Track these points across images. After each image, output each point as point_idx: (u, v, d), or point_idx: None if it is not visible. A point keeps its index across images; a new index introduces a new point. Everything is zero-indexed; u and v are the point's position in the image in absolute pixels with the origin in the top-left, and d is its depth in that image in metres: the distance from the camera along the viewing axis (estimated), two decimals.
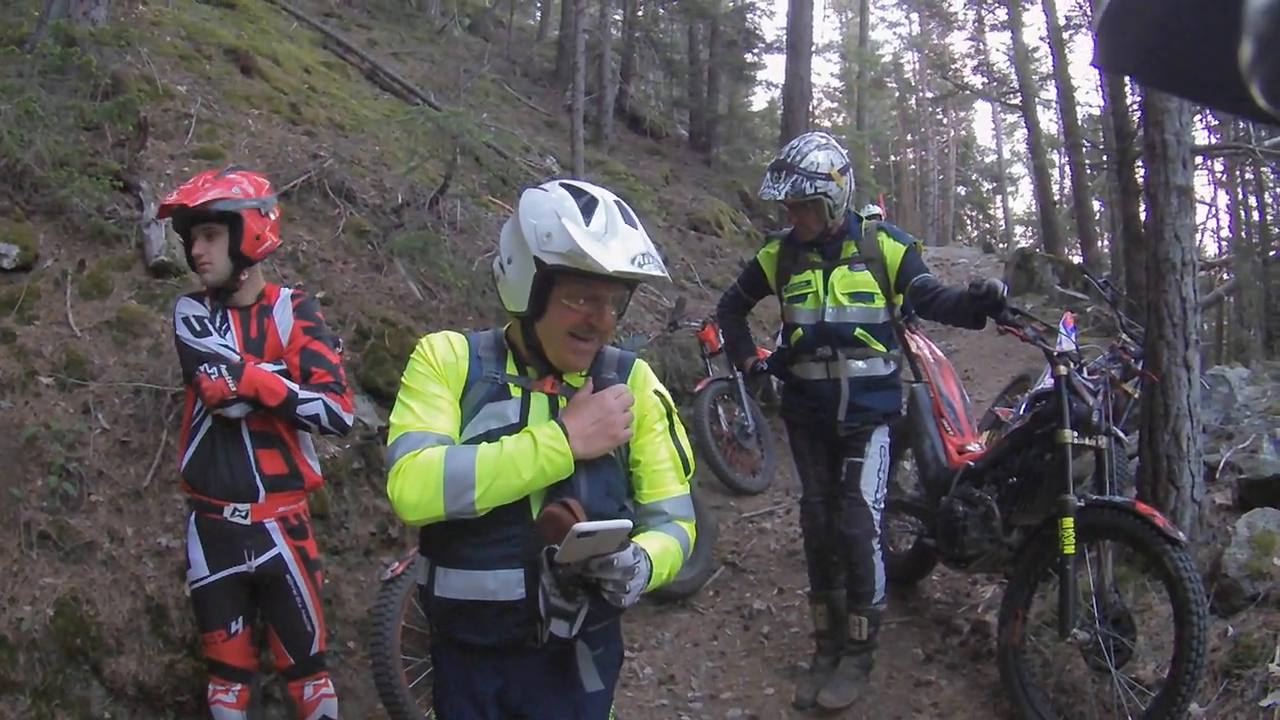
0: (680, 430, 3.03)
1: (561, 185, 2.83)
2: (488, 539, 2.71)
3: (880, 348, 5.65)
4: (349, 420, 4.36)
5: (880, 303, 5.62)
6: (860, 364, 5.62)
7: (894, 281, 5.59)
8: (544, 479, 2.67)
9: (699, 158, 20.32)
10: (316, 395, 4.25)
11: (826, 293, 5.61)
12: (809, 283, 5.68)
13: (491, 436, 2.72)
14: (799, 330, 5.70)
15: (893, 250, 5.60)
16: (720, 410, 9.23)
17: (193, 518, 4.33)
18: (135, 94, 7.50)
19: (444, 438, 2.73)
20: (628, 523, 2.57)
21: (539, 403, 2.83)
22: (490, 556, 2.71)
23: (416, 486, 2.62)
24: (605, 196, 2.80)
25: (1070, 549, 4.81)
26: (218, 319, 4.33)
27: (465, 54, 15.35)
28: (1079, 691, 5.18)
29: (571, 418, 2.73)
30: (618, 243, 2.68)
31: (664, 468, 2.94)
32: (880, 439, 5.74)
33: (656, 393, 2.99)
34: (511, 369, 2.88)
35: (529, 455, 2.63)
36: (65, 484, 4.97)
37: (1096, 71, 22.93)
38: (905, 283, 5.51)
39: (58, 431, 5.12)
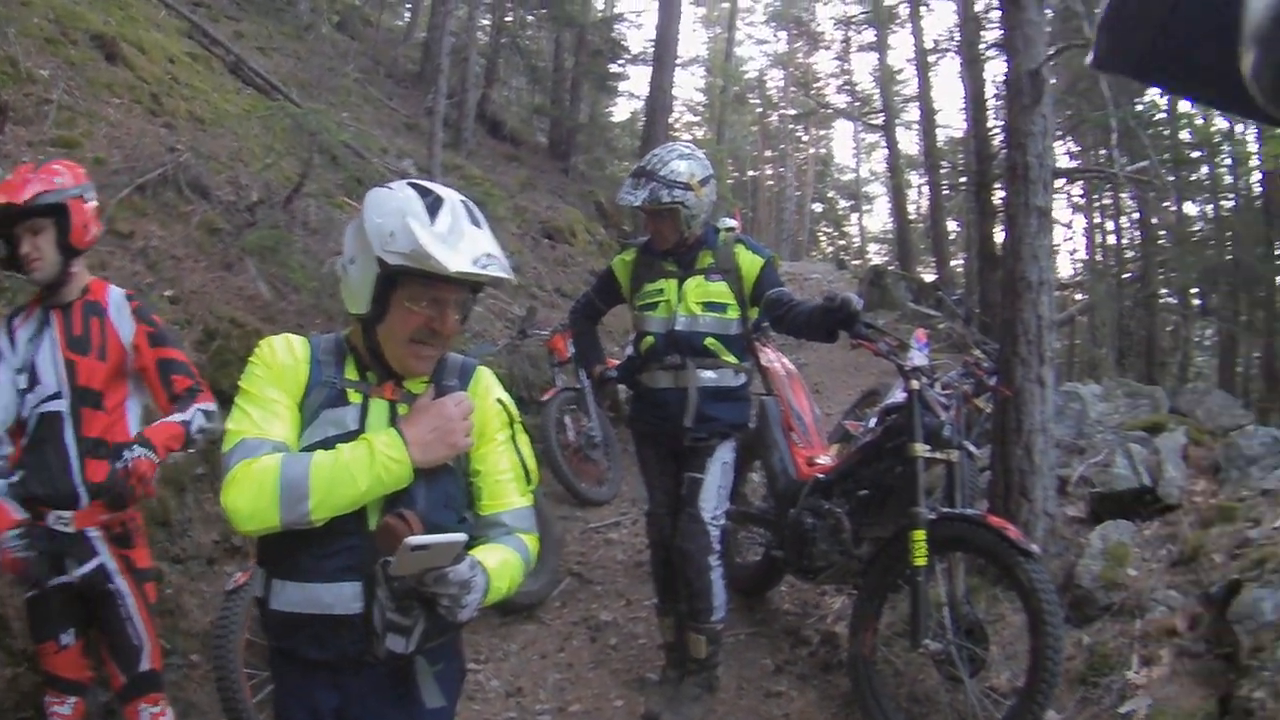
0: (523, 440, 2.98)
1: (409, 184, 2.78)
2: (324, 551, 2.63)
3: (731, 359, 5.60)
4: (219, 415, 4.10)
5: (734, 314, 5.58)
6: (710, 374, 5.56)
7: (749, 294, 5.56)
8: (381, 488, 2.61)
9: (557, 166, 20.42)
10: (191, 409, 4.18)
11: (679, 301, 5.56)
12: (662, 291, 5.63)
13: (329, 444, 2.64)
14: (649, 338, 5.64)
15: (750, 263, 5.57)
16: (568, 420, 9.21)
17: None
18: None
19: (280, 445, 2.64)
20: (463, 536, 2.51)
21: (378, 409, 2.76)
22: (327, 569, 2.63)
23: (250, 495, 2.54)
24: (452, 196, 2.75)
25: (922, 561, 4.86)
26: (36, 324, 4.17)
27: (331, 52, 15.32)
28: (932, 701, 5.26)
29: (410, 425, 2.67)
30: (463, 244, 2.64)
31: (505, 478, 2.88)
32: (724, 455, 5.68)
33: (499, 401, 2.93)
34: (351, 374, 2.80)
35: (365, 463, 2.57)
36: None
37: (961, 95, 23.81)
38: (761, 295, 5.48)
39: None
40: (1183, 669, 4.73)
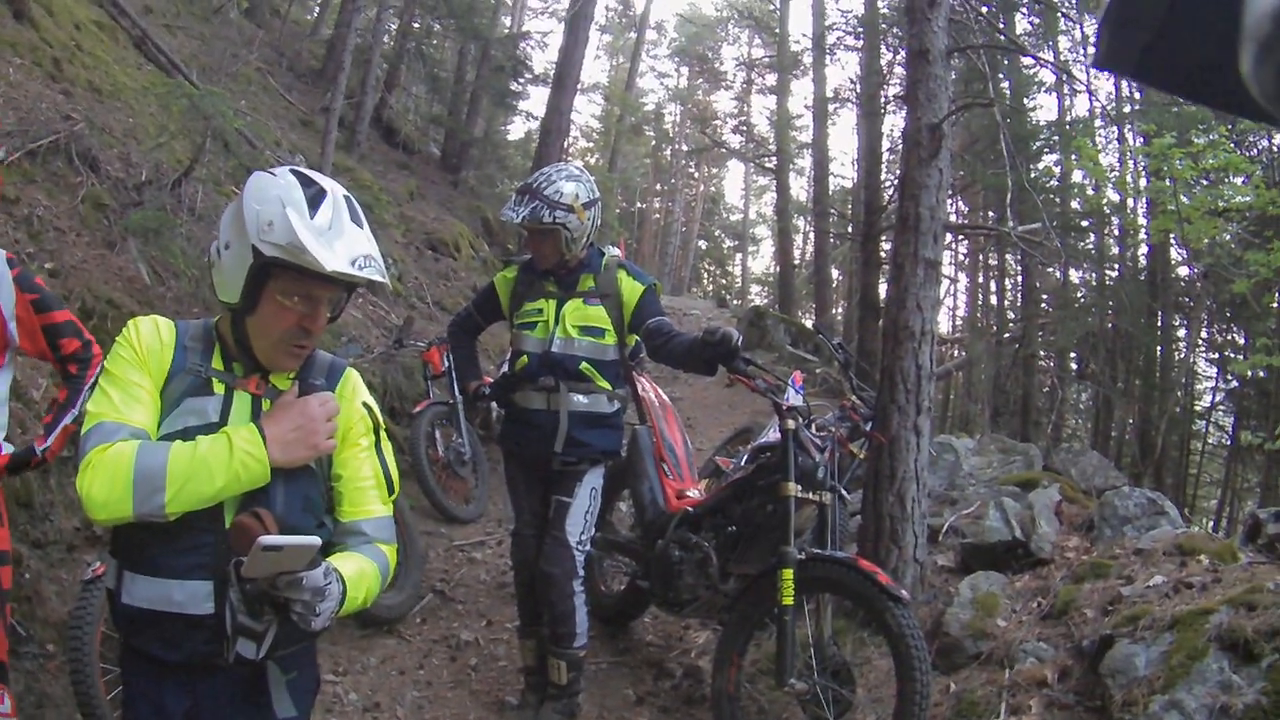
0: (387, 448, 2.92)
1: (292, 172, 2.71)
2: (177, 546, 2.55)
3: (605, 384, 5.58)
4: None
5: (611, 339, 5.56)
6: (582, 398, 5.54)
7: (628, 320, 5.55)
8: (238, 485, 2.53)
9: (448, 178, 20.36)
10: (80, 390, 4.08)
11: (557, 323, 5.53)
12: (541, 311, 5.60)
13: (188, 434, 2.56)
14: (524, 358, 5.59)
15: (631, 289, 5.56)
16: (437, 434, 9.14)
17: None
18: None
19: (139, 431, 2.55)
20: (317, 540, 2.43)
21: (241, 402, 2.68)
22: (179, 565, 2.55)
23: (105, 484, 2.45)
24: (335, 190, 2.69)
25: (789, 600, 4.84)
26: None
27: (236, 38, 15.08)
28: None
29: (271, 423, 2.61)
30: (341, 242, 2.58)
31: (367, 485, 2.82)
32: (592, 481, 5.66)
33: (365, 405, 2.87)
34: (218, 363, 2.72)
35: (224, 459, 2.50)
36: None
37: (855, 146, 24.38)
38: (640, 323, 5.48)
39: None
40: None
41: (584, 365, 5.55)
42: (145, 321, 2.73)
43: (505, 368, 6.07)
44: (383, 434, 2.92)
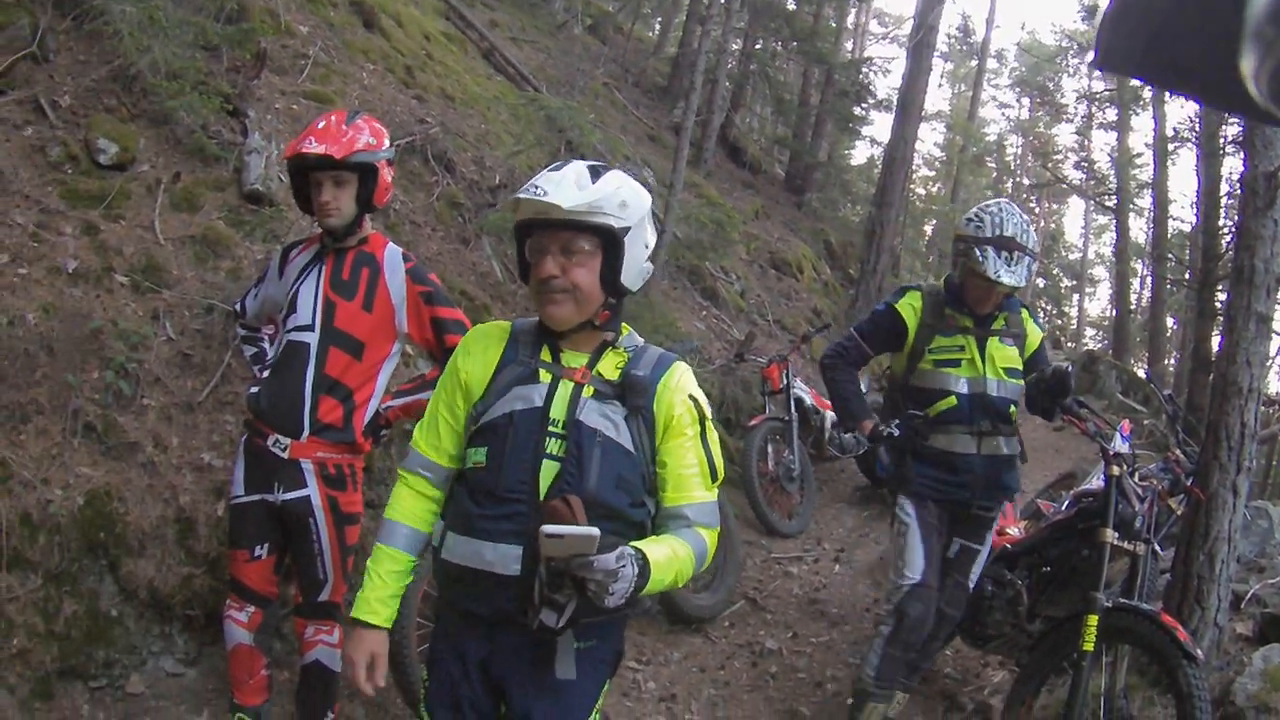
0: (712, 437, 3.00)
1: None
2: (494, 511, 2.79)
3: (1014, 426, 5.37)
4: None
5: (1021, 381, 5.33)
6: (1006, 441, 5.28)
7: (1024, 365, 5.34)
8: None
9: (791, 200, 20.27)
10: None
11: (985, 362, 5.23)
12: (962, 348, 5.25)
13: (514, 417, 2.83)
14: (951, 399, 5.22)
15: (1034, 334, 5.42)
16: (770, 449, 9.20)
17: (244, 439, 4.40)
18: (258, 24, 7.57)
19: (429, 465, 3.01)
20: (595, 531, 2.52)
21: (564, 389, 2.86)
22: (494, 529, 2.77)
23: (389, 503, 3.05)
24: (579, 162, 2.89)
25: (1089, 646, 4.69)
26: (309, 258, 4.41)
27: (582, 53, 15.43)
28: None
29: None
30: (533, 180, 2.80)
31: (690, 472, 2.91)
32: (994, 525, 5.52)
33: (691, 398, 2.96)
34: (546, 355, 2.94)
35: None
36: (121, 381, 4.98)
37: (1195, 188, 22.84)
38: (1030, 369, 5.31)
39: (123, 330, 5.13)
40: None
41: (1013, 408, 5.34)
42: (476, 331, 3.12)
43: (909, 406, 5.42)
44: (708, 424, 3.00)
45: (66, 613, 4.52)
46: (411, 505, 3.03)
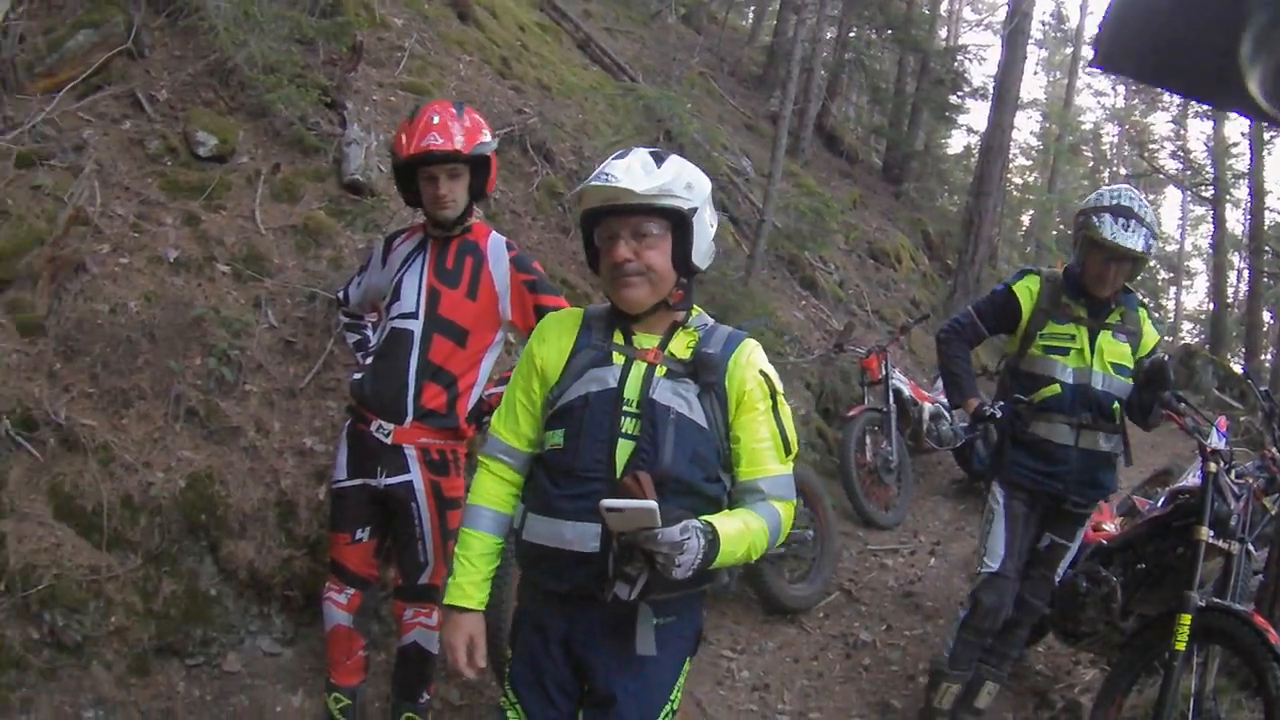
0: (785, 412, 3.06)
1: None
2: (572, 491, 2.88)
3: (1118, 424, 5.27)
4: None
5: (1130, 380, 5.18)
6: (1106, 439, 5.20)
7: (1135, 365, 5.19)
8: None
9: (888, 189, 20.02)
10: None
11: (1094, 354, 5.16)
12: (1073, 337, 5.20)
13: (590, 399, 2.92)
14: (1055, 386, 5.18)
15: (1150, 335, 5.31)
16: (868, 440, 9.12)
17: (347, 424, 4.50)
18: (353, 17, 7.63)
19: (508, 451, 3.10)
20: (652, 504, 2.61)
21: (638, 370, 2.95)
22: (571, 508, 2.86)
23: (470, 491, 3.16)
24: (641, 149, 2.99)
25: (1181, 645, 4.60)
26: (413, 248, 4.49)
27: (676, 42, 15.35)
28: None
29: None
30: (596, 172, 2.90)
31: (763, 446, 2.98)
32: (1086, 524, 5.49)
33: (762, 373, 3.02)
34: (619, 338, 3.03)
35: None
36: (224, 368, 5.08)
37: None
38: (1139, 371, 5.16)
39: (226, 318, 5.22)
40: None
41: (1116, 405, 5.22)
42: (550, 318, 3.23)
43: (1016, 391, 5.43)
44: (780, 399, 3.06)
45: (165, 592, 4.64)
46: (494, 490, 3.12)
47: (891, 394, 9.37)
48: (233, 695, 4.72)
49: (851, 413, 9.17)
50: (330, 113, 6.94)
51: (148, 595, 4.57)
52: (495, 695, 5.14)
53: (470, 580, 3.06)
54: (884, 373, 9.43)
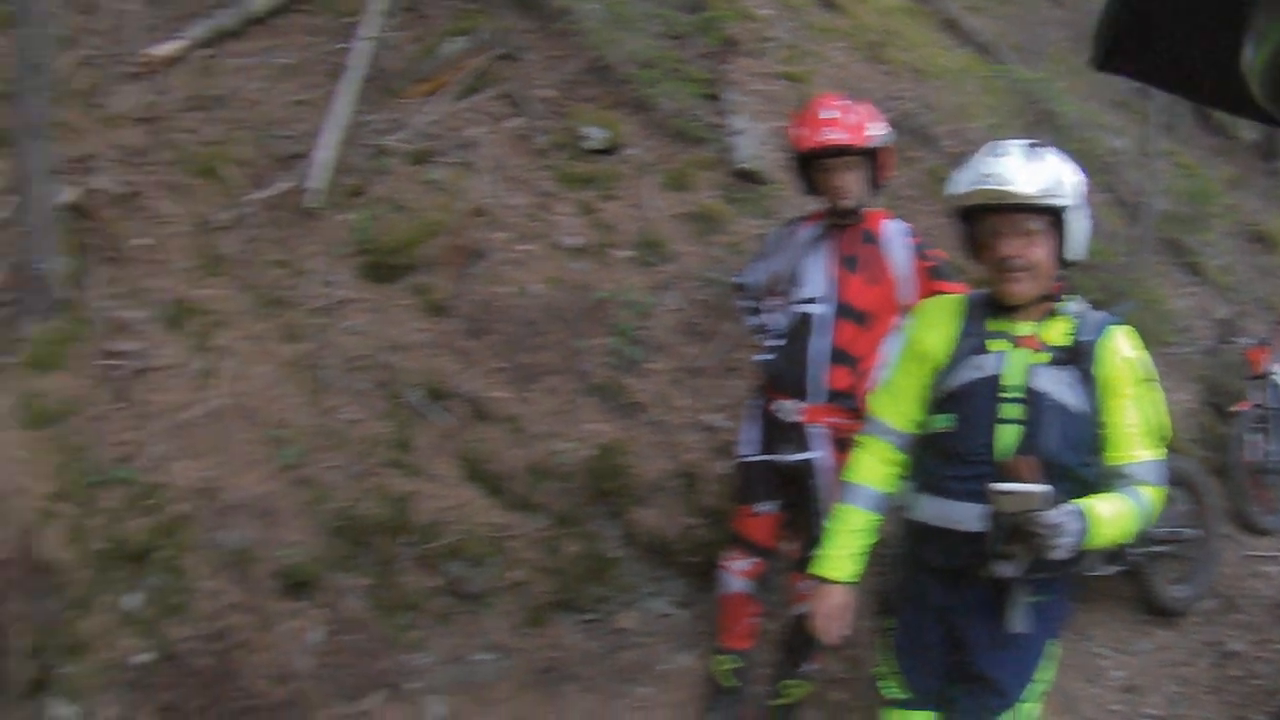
0: (1155, 397, 3.11)
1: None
2: (962, 472, 3.00)
3: None
4: None
5: None
6: None
7: None
8: None
9: (1262, 167, 18.77)
10: None
11: None
12: None
13: (972, 386, 3.04)
14: None
15: None
16: (1254, 438, 8.51)
17: (756, 402, 4.68)
18: (721, 11, 7.84)
19: (886, 431, 3.25)
20: (1043, 488, 2.73)
21: (1017, 357, 3.04)
22: (961, 489, 2.99)
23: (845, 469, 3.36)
24: (1017, 145, 3.04)
25: None
26: (814, 235, 4.63)
27: (1035, 17, 14.89)
28: None
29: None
30: (973, 168, 3.00)
31: (1131, 431, 3.02)
32: None
33: (1131, 357, 3.08)
34: (998, 325, 3.12)
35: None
36: (630, 347, 5.38)
37: None
38: None
39: (629, 301, 5.52)
40: None
41: None
42: (932, 303, 3.39)
43: None
44: (1150, 384, 3.11)
45: (567, 551, 4.95)
46: (873, 468, 3.25)
47: (1270, 390, 8.74)
48: (623, 650, 4.99)
49: (1236, 408, 8.63)
50: (711, 104, 7.12)
51: (551, 553, 4.92)
52: None
53: (839, 553, 3.22)
54: (1265, 368, 8.79)
